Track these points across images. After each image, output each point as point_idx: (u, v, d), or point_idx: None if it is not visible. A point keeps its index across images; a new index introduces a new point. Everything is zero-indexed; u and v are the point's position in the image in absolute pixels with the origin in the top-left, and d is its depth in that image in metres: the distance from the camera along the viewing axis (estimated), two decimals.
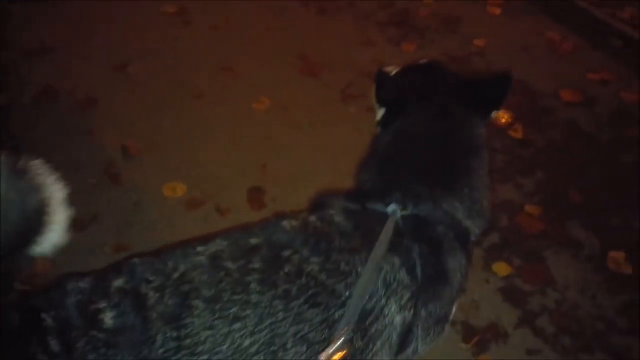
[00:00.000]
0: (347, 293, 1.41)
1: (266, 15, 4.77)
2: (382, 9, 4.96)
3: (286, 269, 1.38)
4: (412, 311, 1.50)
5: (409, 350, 1.62)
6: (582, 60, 4.53)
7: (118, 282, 1.32)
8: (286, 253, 1.41)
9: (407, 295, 1.49)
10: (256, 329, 1.31)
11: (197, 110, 3.74)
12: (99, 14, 4.48)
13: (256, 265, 1.37)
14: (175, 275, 1.34)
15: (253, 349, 1.31)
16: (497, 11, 5.06)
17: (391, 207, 1.56)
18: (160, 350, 1.25)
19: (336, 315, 1.39)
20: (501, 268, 2.89)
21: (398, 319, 1.49)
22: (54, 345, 1.23)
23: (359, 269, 1.43)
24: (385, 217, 1.54)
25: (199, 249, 1.41)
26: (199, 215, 3.12)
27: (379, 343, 1.51)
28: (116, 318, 1.26)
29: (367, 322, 1.45)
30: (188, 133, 3.56)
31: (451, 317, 1.74)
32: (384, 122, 1.82)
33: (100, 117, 3.65)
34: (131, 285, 1.32)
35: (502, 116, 3.80)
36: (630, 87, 4.23)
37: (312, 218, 1.55)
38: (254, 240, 1.44)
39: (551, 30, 4.83)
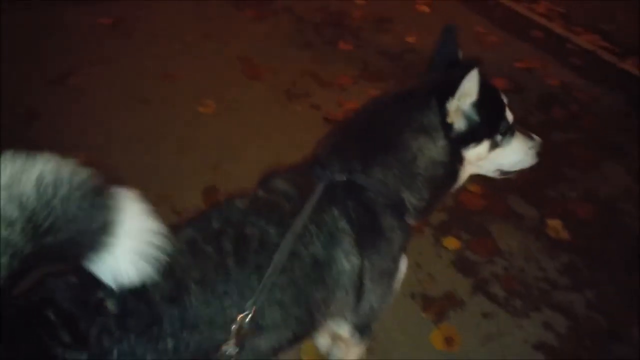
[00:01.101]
0: (305, 252, 1.56)
1: (203, 22, 4.86)
2: (317, 12, 5.14)
3: (252, 245, 1.51)
4: (358, 258, 1.65)
5: (366, 305, 1.76)
6: (508, 51, 4.85)
7: None
8: (248, 230, 1.53)
9: (350, 242, 1.63)
10: (242, 302, 1.44)
11: (144, 117, 3.77)
12: (36, 28, 4.44)
13: (228, 247, 1.49)
14: (165, 262, 1.40)
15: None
16: (426, 9, 5.35)
17: (327, 173, 1.70)
18: (168, 329, 1.34)
19: (302, 274, 1.54)
20: (451, 243, 3.07)
21: (347, 265, 1.63)
22: (66, 336, 1.26)
23: (309, 227, 1.58)
24: (322, 179, 1.69)
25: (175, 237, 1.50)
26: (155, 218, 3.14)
27: (338, 293, 1.65)
28: (119, 304, 1.32)
29: (324, 273, 1.59)
30: (138, 139, 3.58)
31: (399, 277, 1.87)
32: None
33: (45, 129, 3.61)
34: None
35: None
36: (553, 73, 4.55)
37: (260, 192, 1.68)
38: (216, 224, 1.55)
39: (477, 25, 5.15)
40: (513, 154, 1.90)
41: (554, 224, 3.24)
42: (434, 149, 1.71)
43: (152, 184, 3.24)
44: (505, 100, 1.86)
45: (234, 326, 1.45)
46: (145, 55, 4.32)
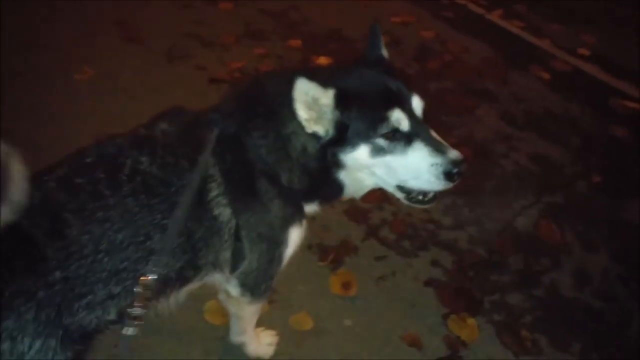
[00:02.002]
0: (179, 182, 1.59)
1: None
2: None
3: (125, 172, 1.55)
4: (229, 210, 1.68)
5: (248, 265, 1.81)
6: (385, 6, 5.00)
7: None
8: (121, 160, 1.57)
9: (219, 190, 1.66)
10: (122, 225, 1.50)
11: (18, 90, 3.51)
12: None
13: (100, 175, 1.53)
14: (37, 201, 1.44)
15: (126, 242, 1.50)
16: None
17: (215, 118, 1.73)
18: (54, 262, 1.39)
19: (176, 201, 1.57)
20: None
21: (216, 212, 1.67)
22: None
23: (181, 160, 1.62)
24: (207, 124, 1.71)
25: (45, 177, 1.53)
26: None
27: (215, 239, 1.69)
28: (2, 248, 1.34)
29: (199, 213, 1.63)
30: (14, 114, 3.32)
31: (288, 248, 1.87)
32: None
33: None
34: None
35: (323, 61, 4.09)
36: (427, 26, 4.76)
37: (141, 129, 1.72)
38: (89, 159, 1.59)
39: None
40: (408, 166, 1.68)
41: None
42: (304, 138, 1.68)
43: (34, 158, 3.06)
44: (394, 101, 1.68)
45: (137, 289, 1.52)
46: (11, 26, 3.99)
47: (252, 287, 1.92)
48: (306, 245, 2.88)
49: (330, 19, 4.62)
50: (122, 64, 3.88)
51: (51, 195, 1.48)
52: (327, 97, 1.60)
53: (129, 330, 1.56)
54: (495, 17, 5.12)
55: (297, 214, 1.82)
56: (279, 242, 1.83)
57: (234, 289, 1.94)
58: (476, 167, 3.53)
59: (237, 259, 1.77)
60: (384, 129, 1.64)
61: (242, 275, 1.86)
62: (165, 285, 1.64)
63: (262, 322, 2.39)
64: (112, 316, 1.54)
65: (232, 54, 4.14)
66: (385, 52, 1.90)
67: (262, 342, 2.40)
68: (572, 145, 3.86)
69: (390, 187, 1.78)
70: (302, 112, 1.62)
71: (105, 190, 1.50)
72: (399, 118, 1.65)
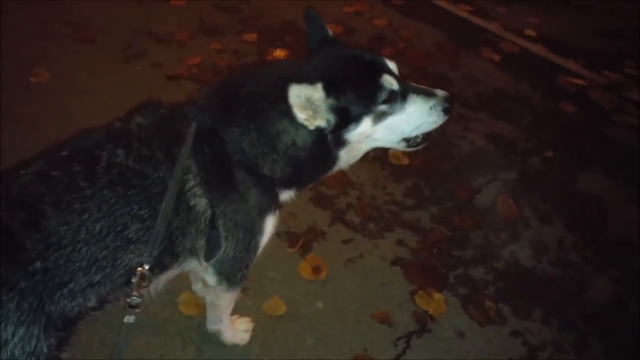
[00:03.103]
0: (155, 174, 1.64)
1: None
2: None
3: (101, 164, 1.59)
4: (206, 200, 1.72)
5: (224, 253, 1.86)
6: None
7: None
8: (97, 152, 1.61)
9: (195, 182, 1.70)
10: (100, 215, 1.54)
11: None
12: None
13: (77, 168, 1.57)
14: (13, 194, 1.49)
15: (104, 232, 1.55)
16: None
17: (193, 112, 1.77)
18: (33, 253, 1.44)
19: (152, 192, 1.62)
20: None
21: (192, 202, 1.71)
22: None
23: (157, 153, 1.66)
24: (183, 117, 1.76)
25: (22, 171, 1.56)
26: None
27: (191, 228, 1.73)
28: None
29: (176, 204, 1.66)
30: None
31: (263, 236, 1.94)
32: None
33: None
34: None
35: (279, 53, 4.14)
36: (379, 14, 4.85)
37: (116, 123, 1.74)
38: (65, 152, 1.62)
39: None
40: (411, 119, 1.81)
41: (395, 153, 3.54)
42: (295, 135, 1.73)
43: None
44: (378, 68, 1.79)
45: (134, 279, 1.58)
46: None
47: (229, 276, 1.98)
48: (275, 233, 2.92)
49: (283, 12, 4.66)
50: (77, 65, 3.84)
51: (28, 188, 1.51)
52: (317, 91, 1.65)
53: (130, 319, 1.61)
54: (443, 2, 5.24)
55: (272, 203, 1.88)
56: (255, 231, 1.88)
57: (210, 277, 1.99)
58: (434, 149, 3.64)
59: (212, 247, 1.81)
60: (382, 96, 1.75)
61: (218, 263, 1.91)
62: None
63: (237, 310, 2.44)
64: (92, 303, 1.60)
65: (188, 50, 4.14)
66: (329, 31, 1.96)
67: (237, 329, 2.45)
68: (524, 123, 4.02)
69: (392, 144, 1.91)
70: (300, 115, 1.67)
71: (82, 183, 1.54)
72: (390, 81, 1.76)
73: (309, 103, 1.65)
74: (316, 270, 2.82)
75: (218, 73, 3.92)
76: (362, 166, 3.44)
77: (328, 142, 1.76)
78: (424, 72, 4.26)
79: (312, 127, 1.71)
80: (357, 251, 2.96)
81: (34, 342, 1.46)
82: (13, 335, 1.43)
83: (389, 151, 3.53)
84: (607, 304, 2.94)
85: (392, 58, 1.90)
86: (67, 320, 1.55)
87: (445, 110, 1.85)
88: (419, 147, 1.96)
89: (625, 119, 4.17)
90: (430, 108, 1.83)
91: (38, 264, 1.44)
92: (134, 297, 1.59)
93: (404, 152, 3.52)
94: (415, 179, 3.43)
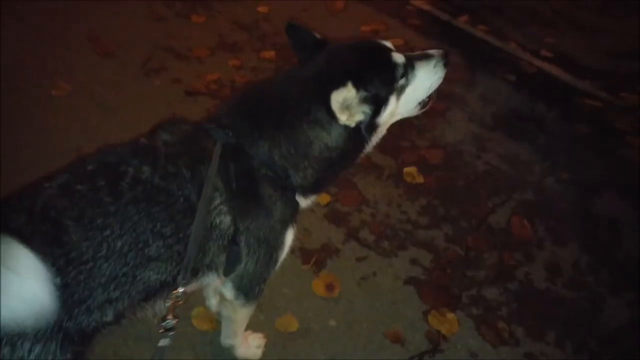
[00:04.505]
0: (179, 192, 1.66)
1: (44, 1, 4.58)
2: None
3: (126, 180, 1.61)
4: (230, 218, 1.75)
5: (244, 268, 1.89)
6: (355, 15, 5.11)
7: None
8: (122, 168, 1.63)
9: (221, 200, 1.74)
10: (122, 232, 1.55)
11: None
12: None
13: (101, 182, 1.59)
14: (37, 208, 1.51)
15: (125, 249, 1.56)
16: None
17: (218, 131, 1.80)
18: (54, 269, 1.43)
19: (176, 210, 1.65)
20: (322, 197, 3.23)
21: (217, 220, 1.74)
22: None
23: (182, 170, 1.69)
24: (208, 134, 1.79)
25: (46, 184, 1.58)
26: None
27: (211, 244, 1.76)
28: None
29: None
30: None
31: (284, 250, 2.00)
32: None
33: None
34: None
35: None
36: (396, 33, 4.89)
37: (142, 139, 1.78)
38: (90, 166, 1.64)
39: None
40: (424, 82, 1.98)
41: (410, 171, 3.56)
42: (328, 139, 1.80)
43: (14, 173, 3.09)
44: (386, 48, 1.91)
45: (168, 302, 1.62)
46: None
47: (247, 290, 2.00)
48: (289, 250, 2.95)
49: None
50: (98, 79, 3.91)
51: (51, 201, 1.52)
52: (349, 90, 1.72)
53: (165, 342, 1.63)
54: (461, 22, 5.26)
55: (294, 214, 1.93)
56: (277, 245, 1.92)
57: (229, 292, 2.01)
58: (449, 168, 3.66)
59: (233, 262, 1.83)
60: (400, 72, 1.88)
61: (237, 278, 1.93)
62: (163, 290, 1.70)
63: (250, 326, 2.44)
64: (109, 318, 1.60)
65: (207, 66, 4.20)
66: (317, 35, 2.02)
67: (250, 344, 2.47)
68: (539, 143, 4.01)
69: (411, 112, 2.05)
70: (342, 117, 1.75)
71: (106, 198, 1.56)
72: (399, 57, 1.90)
73: (345, 104, 1.73)
74: (329, 287, 2.83)
75: (236, 89, 3.97)
76: (377, 184, 3.46)
77: (362, 132, 1.84)
78: (440, 91, 4.24)
79: (353, 125, 1.79)
80: (371, 269, 2.97)
81: (50, 358, 1.46)
82: (30, 352, 1.43)
83: (404, 170, 3.56)
84: (621, 326, 2.91)
85: None
86: (83, 336, 1.55)
87: (445, 65, 2.03)
88: (430, 105, 2.10)
89: None
90: (434, 66, 1.99)
91: (58, 281, 1.44)
92: (168, 320, 1.62)
93: (417, 172, 3.55)
94: (429, 198, 3.43)
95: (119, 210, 1.56)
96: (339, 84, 1.71)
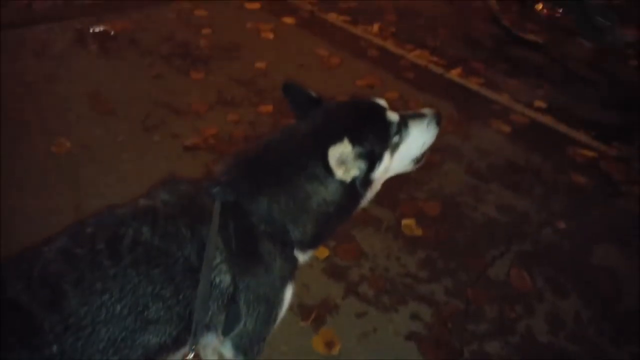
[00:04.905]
0: (179, 252, 1.66)
1: (46, 62, 4.69)
2: (164, 43, 5.17)
3: (126, 242, 1.61)
4: (230, 276, 1.75)
5: (240, 325, 1.87)
6: (350, 70, 5.23)
7: None
8: (122, 230, 1.63)
9: (221, 258, 1.74)
10: (122, 295, 1.55)
11: None
12: None
13: (101, 246, 1.59)
14: (35, 273, 1.50)
15: (125, 312, 1.55)
16: (270, 36, 5.59)
17: (216, 189, 1.81)
18: (51, 336, 1.42)
19: (176, 271, 1.64)
20: (320, 252, 3.23)
21: (217, 280, 1.73)
22: None
23: (182, 230, 1.69)
24: (206, 193, 1.80)
25: (45, 248, 1.58)
26: None
27: (211, 304, 1.74)
28: None
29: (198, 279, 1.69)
30: None
31: (283, 307, 1.99)
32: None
33: None
34: None
35: None
36: (391, 87, 4.99)
37: (141, 200, 1.78)
38: (89, 229, 1.64)
39: (319, 48, 5.47)
40: (417, 140, 2.06)
41: (408, 223, 3.57)
42: (326, 193, 1.83)
43: (13, 230, 3.09)
44: (381, 107, 1.98)
45: None
46: None
47: (246, 349, 1.97)
48: (287, 307, 2.93)
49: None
50: (97, 135, 3.96)
51: (50, 266, 1.52)
52: (346, 146, 1.76)
53: None
54: (454, 75, 5.38)
55: (293, 270, 1.94)
56: (276, 302, 1.92)
57: (228, 351, 1.98)
58: (447, 220, 3.67)
59: (232, 321, 1.82)
60: (394, 130, 1.95)
61: (236, 337, 1.91)
62: (161, 353, 1.68)
63: None
64: None
65: (206, 121, 4.26)
66: (313, 93, 2.08)
67: None
68: (536, 194, 4.04)
69: (405, 168, 2.12)
70: (339, 172, 1.78)
71: (105, 261, 1.55)
72: (393, 116, 1.97)
73: (342, 159, 1.76)
74: (329, 345, 2.79)
75: (234, 144, 4.02)
76: (375, 236, 3.47)
77: (357, 187, 1.88)
78: (435, 143, 4.28)
79: (349, 180, 1.82)
80: (371, 325, 2.93)
81: None
82: None
83: (402, 222, 3.57)
84: None
85: None
86: None
87: (437, 123, 2.11)
88: (423, 162, 2.16)
89: (636, 191, 4.18)
90: (427, 125, 2.08)
91: (55, 348, 1.43)
92: None
93: (415, 224, 3.56)
94: (428, 251, 3.43)
95: (118, 274, 1.55)
96: (336, 139, 1.75)
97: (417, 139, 2.06)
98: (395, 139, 1.97)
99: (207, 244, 1.67)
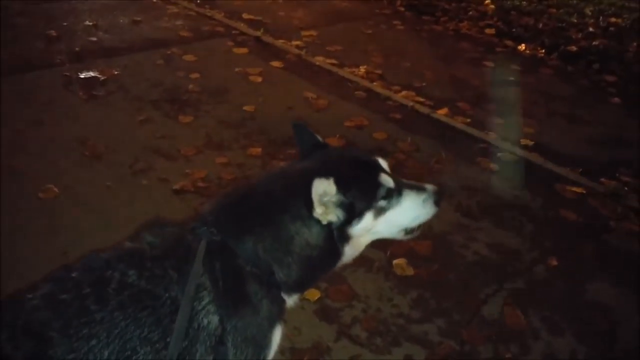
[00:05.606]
0: (166, 294, 1.62)
1: (34, 107, 4.70)
2: (153, 88, 5.22)
3: (112, 285, 1.57)
4: (217, 317, 1.70)
5: None
6: (338, 112, 5.28)
7: None
8: (108, 273, 1.60)
9: (208, 299, 1.69)
10: (109, 340, 1.50)
11: None
12: None
13: (87, 290, 1.55)
14: (20, 322, 1.46)
15: (112, 358, 1.50)
16: (259, 79, 5.66)
17: (202, 229, 1.79)
18: None
19: (163, 313, 1.60)
20: (311, 294, 3.19)
21: (205, 321, 1.68)
22: None
23: (169, 272, 1.66)
24: (193, 233, 1.77)
25: (29, 296, 1.53)
26: None
27: (198, 346, 1.68)
28: None
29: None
30: None
31: (272, 349, 1.90)
32: None
33: None
34: None
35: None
36: (378, 127, 5.03)
37: (127, 242, 1.75)
38: (75, 273, 1.60)
39: (307, 91, 5.54)
40: (407, 212, 1.96)
41: (399, 263, 3.54)
42: (309, 234, 1.80)
43: (4, 279, 3.03)
44: (375, 167, 1.94)
45: None
46: None
47: None
48: (278, 351, 2.86)
49: (286, 128, 4.79)
50: (85, 181, 3.94)
51: (35, 314, 1.48)
52: (330, 185, 1.74)
53: None
54: (441, 115, 5.45)
55: (281, 311, 1.88)
56: (264, 344, 1.85)
57: None
58: (439, 259, 3.64)
59: None
60: (382, 193, 1.88)
61: None
62: None
63: None
64: None
65: (194, 164, 4.26)
66: (319, 137, 2.09)
67: None
68: (526, 231, 4.04)
69: (392, 235, 2.04)
70: (318, 209, 1.75)
71: (92, 305, 1.52)
72: (387, 179, 1.90)
73: (323, 197, 1.74)
74: None
75: (223, 186, 4.01)
76: (367, 277, 3.43)
77: (334, 237, 1.83)
78: (423, 182, 4.33)
79: (325, 222, 1.79)
80: None
81: None
82: None
83: (393, 262, 3.54)
84: None
85: (392, 169, 2.02)
86: None
87: (437, 202, 2.01)
88: (415, 234, 2.09)
89: (626, 226, 4.20)
90: (423, 201, 1.98)
91: None
92: None
93: (407, 264, 3.54)
94: (420, 290, 3.40)
95: (105, 318, 1.51)
96: (322, 176, 1.74)
97: (408, 210, 1.97)
98: (382, 202, 1.89)
99: (189, 281, 1.63)
